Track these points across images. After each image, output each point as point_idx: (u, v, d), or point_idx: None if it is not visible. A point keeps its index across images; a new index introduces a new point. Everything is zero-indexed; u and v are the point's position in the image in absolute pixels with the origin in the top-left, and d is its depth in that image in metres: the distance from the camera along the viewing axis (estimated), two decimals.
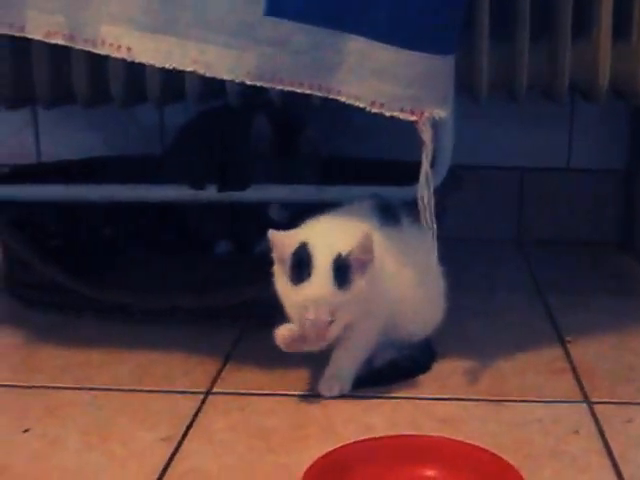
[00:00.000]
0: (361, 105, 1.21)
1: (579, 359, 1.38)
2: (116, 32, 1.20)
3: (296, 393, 1.27)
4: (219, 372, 1.35)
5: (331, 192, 1.51)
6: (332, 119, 1.72)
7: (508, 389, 1.28)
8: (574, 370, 1.34)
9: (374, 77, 1.19)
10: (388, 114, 1.20)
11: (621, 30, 1.54)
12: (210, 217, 1.74)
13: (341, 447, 1.03)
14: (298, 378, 1.31)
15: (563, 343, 1.43)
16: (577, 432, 1.15)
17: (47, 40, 1.23)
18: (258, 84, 1.21)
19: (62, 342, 1.47)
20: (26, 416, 1.23)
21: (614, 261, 1.89)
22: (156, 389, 1.30)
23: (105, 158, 1.93)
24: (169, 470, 1.08)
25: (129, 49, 1.20)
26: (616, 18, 1.52)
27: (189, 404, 1.25)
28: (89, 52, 1.26)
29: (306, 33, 1.18)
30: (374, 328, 1.26)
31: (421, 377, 1.31)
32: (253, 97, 1.66)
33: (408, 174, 1.30)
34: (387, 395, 1.26)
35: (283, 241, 1.19)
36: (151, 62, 1.21)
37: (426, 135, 1.20)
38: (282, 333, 1.21)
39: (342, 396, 1.25)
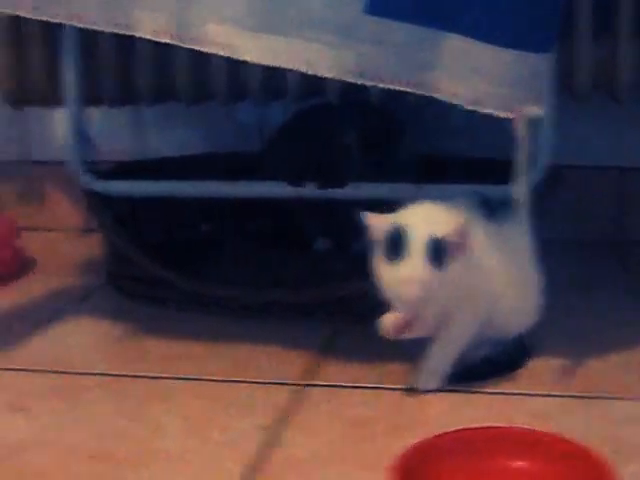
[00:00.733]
0: (458, 103, 1.22)
1: None
2: (222, 31, 1.23)
3: (391, 387, 1.29)
4: (315, 365, 1.38)
5: (429, 190, 1.52)
6: (428, 117, 1.74)
7: (601, 387, 1.28)
8: None
9: (472, 75, 1.20)
10: (484, 112, 1.21)
11: None
12: (309, 214, 1.77)
13: (433, 437, 1.04)
14: (394, 372, 1.33)
15: None
16: None
17: (155, 39, 1.27)
18: (358, 82, 1.23)
19: (163, 334, 1.51)
20: (129, 403, 1.28)
21: None
22: (254, 380, 1.33)
23: (206, 155, 1.97)
24: (265, 458, 1.11)
25: (234, 48, 1.23)
26: None
27: (286, 395, 1.27)
28: (192, 51, 1.29)
29: (406, 32, 1.20)
30: (472, 323, 1.27)
31: (515, 373, 1.32)
32: (352, 95, 1.68)
33: (506, 173, 1.31)
34: (481, 390, 1.27)
35: (378, 222, 1.20)
36: (255, 61, 1.24)
37: (522, 133, 1.20)
38: (387, 320, 1.22)
39: (437, 390, 1.27)
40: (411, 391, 1.27)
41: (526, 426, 1.10)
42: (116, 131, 2.11)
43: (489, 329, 1.29)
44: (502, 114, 1.21)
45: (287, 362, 1.39)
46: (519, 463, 1.02)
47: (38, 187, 2.23)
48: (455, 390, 1.27)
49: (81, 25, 1.33)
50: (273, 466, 1.09)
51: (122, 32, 1.29)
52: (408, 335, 1.24)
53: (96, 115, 1.98)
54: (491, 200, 1.31)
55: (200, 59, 1.71)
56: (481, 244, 1.24)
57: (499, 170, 1.35)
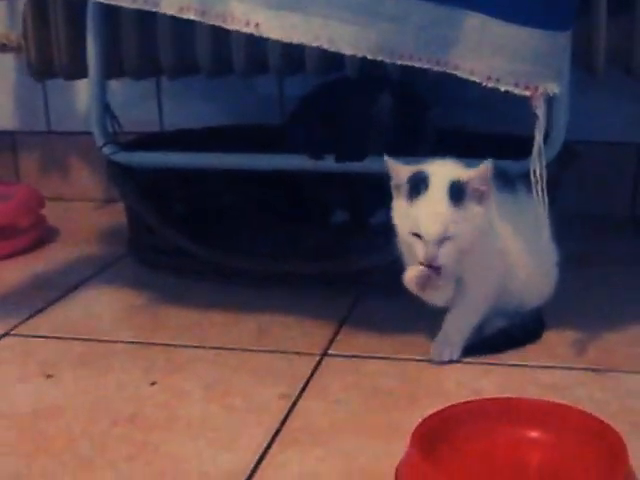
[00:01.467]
0: (477, 80, 1.24)
1: None
2: (245, 8, 1.25)
3: (409, 357, 1.32)
4: (335, 335, 1.40)
5: None
6: (445, 92, 1.75)
7: (616, 360, 1.30)
8: None
9: (490, 53, 1.22)
10: (503, 89, 1.23)
11: None
12: (327, 187, 1.79)
13: (450, 407, 1.07)
14: (411, 343, 1.35)
15: None
16: None
17: (180, 16, 1.29)
18: (378, 59, 1.24)
19: (184, 304, 1.54)
20: (152, 370, 1.31)
21: None
22: (274, 349, 1.36)
23: (225, 127, 1.99)
24: (286, 424, 1.14)
25: (257, 25, 1.25)
26: None
27: (306, 364, 1.30)
28: (212, 25, 1.31)
29: (426, 10, 1.22)
30: (487, 292, 1.29)
31: (530, 346, 1.34)
32: (371, 70, 1.70)
33: (523, 148, 1.33)
34: (496, 362, 1.29)
35: (401, 167, 1.22)
36: (278, 38, 1.26)
37: (539, 110, 1.22)
38: (409, 274, 1.24)
39: (453, 361, 1.29)
40: (428, 362, 1.29)
41: (541, 398, 1.12)
42: (138, 103, 2.13)
43: (505, 301, 1.31)
44: (520, 91, 1.23)
45: (307, 332, 1.42)
46: (534, 433, 1.04)
47: (60, 158, 2.26)
48: (470, 362, 1.30)
49: (106, 2, 1.35)
50: (293, 433, 1.12)
51: (148, 9, 1.31)
52: (430, 292, 1.25)
53: (118, 87, 2.01)
54: (508, 173, 1.33)
55: (221, 32, 1.72)
56: (498, 214, 1.26)
57: (516, 145, 1.37)
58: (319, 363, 1.31)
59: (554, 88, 1.22)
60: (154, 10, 1.31)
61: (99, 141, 1.71)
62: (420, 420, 1.03)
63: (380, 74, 1.71)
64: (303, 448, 1.09)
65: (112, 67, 1.76)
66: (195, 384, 1.26)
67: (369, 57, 1.25)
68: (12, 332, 1.45)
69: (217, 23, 1.28)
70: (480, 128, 1.86)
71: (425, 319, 1.35)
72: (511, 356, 1.31)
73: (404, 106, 1.69)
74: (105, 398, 1.23)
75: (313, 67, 1.72)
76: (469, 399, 1.11)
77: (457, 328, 1.30)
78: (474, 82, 1.25)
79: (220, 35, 1.73)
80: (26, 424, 1.17)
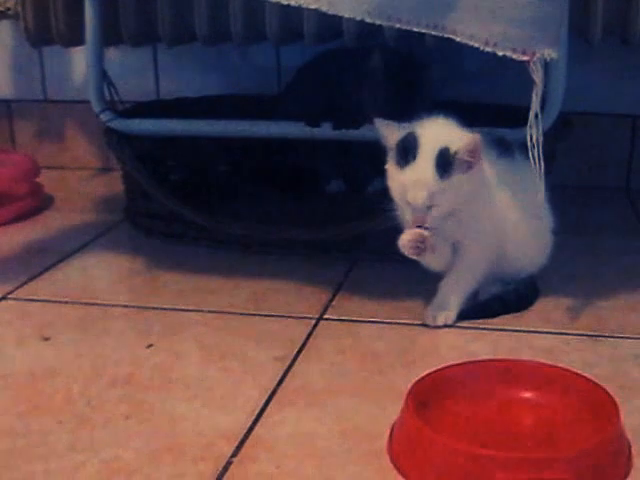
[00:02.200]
0: (475, 44, 1.24)
1: None
2: None
3: (404, 322, 1.32)
4: (330, 300, 1.41)
5: None
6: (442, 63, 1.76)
7: (608, 325, 1.31)
8: None
9: (489, 17, 1.22)
10: (500, 54, 1.23)
11: None
12: (324, 156, 1.79)
13: (445, 367, 1.08)
14: (406, 308, 1.36)
15: None
16: None
17: None
18: (377, 23, 1.25)
19: (181, 269, 1.55)
20: (149, 333, 1.31)
21: None
22: (270, 313, 1.37)
23: (223, 96, 1.99)
24: (282, 386, 1.15)
25: None
26: None
27: (302, 328, 1.31)
28: None
29: None
30: (484, 258, 1.30)
31: (524, 312, 1.35)
32: (369, 38, 1.70)
33: (519, 118, 1.33)
34: (490, 327, 1.30)
35: (392, 129, 1.24)
36: (277, 0, 1.26)
37: (537, 75, 1.22)
38: (405, 237, 1.25)
39: (447, 326, 1.30)
40: (423, 326, 1.30)
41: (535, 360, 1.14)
42: (134, 72, 2.13)
43: (501, 268, 1.32)
44: (518, 56, 1.23)
45: (303, 297, 1.42)
46: (528, 394, 1.06)
47: (56, 127, 2.26)
48: (465, 327, 1.31)
49: None
50: (289, 395, 1.13)
51: None
52: (426, 255, 1.26)
53: (115, 56, 2.01)
54: (505, 140, 1.33)
55: (219, 0, 1.73)
56: (494, 180, 1.27)
57: (512, 115, 1.37)
58: (315, 327, 1.32)
59: (552, 53, 1.22)
60: None
61: (96, 108, 1.71)
62: (415, 380, 1.04)
63: (377, 43, 1.71)
64: (299, 408, 1.09)
65: (110, 34, 1.76)
66: (192, 347, 1.27)
67: (368, 21, 1.25)
68: (9, 296, 1.46)
69: None
70: (476, 98, 1.86)
71: (420, 284, 1.37)
72: (505, 321, 1.32)
73: (400, 69, 1.69)
74: (102, 360, 1.24)
75: (311, 36, 1.72)
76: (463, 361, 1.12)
77: (453, 293, 1.31)
78: (471, 50, 1.25)
79: (218, 2, 1.73)
80: (23, 385, 1.17)
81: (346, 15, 1.25)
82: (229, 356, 1.23)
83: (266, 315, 1.36)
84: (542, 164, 1.23)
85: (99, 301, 1.43)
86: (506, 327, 1.30)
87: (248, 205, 1.74)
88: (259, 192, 1.82)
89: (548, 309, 1.36)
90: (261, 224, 1.58)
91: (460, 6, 1.22)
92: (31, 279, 1.53)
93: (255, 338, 1.29)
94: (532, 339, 1.27)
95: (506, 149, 1.32)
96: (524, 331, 1.29)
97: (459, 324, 1.31)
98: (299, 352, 1.24)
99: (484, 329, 1.30)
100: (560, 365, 1.11)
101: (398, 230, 1.27)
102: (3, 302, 1.44)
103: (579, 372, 1.07)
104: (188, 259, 1.60)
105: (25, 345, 1.29)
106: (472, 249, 1.29)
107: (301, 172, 1.86)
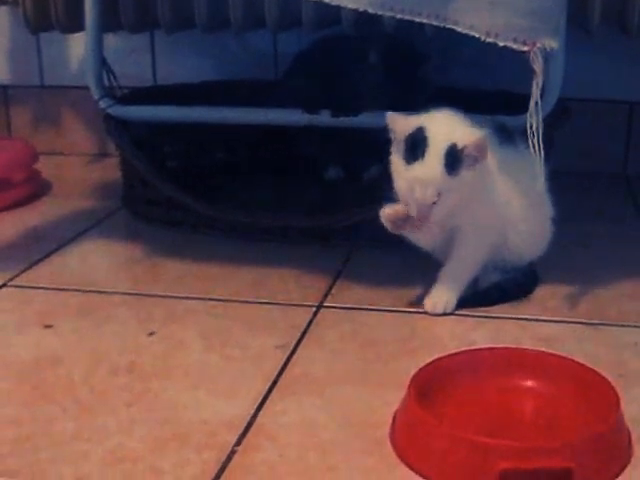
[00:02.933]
0: (476, 35, 1.24)
1: None
2: None
3: (404, 309, 1.33)
4: (330, 288, 1.42)
5: None
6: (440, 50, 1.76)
7: (607, 314, 1.32)
8: None
9: (490, 8, 1.23)
10: (502, 44, 1.24)
11: None
12: (322, 142, 1.79)
13: (446, 356, 1.09)
14: (406, 296, 1.37)
15: None
16: None
17: None
18: (379, 13, 1.25)
19: (180, 256, 1.56)
20: (150, 321, 1.32)
21: None
22: (270, 301, 1.37)
23: (221, 82, 1.99)
24: (284, 374, 1.16)
25: None
26: None
27: (302, 316, 1.32)
28: None
29: None
30: (482, 246, 1.31)
31: (523, 300, 1.36)
32: (367, 25, 1.70)
33: (518, 105, 1.34)
34: (490, 315, 1.31)
35: (401, 123, 1.24)
36: None
37: (537, 65, 1.23)
38: (387, 212, 1.26)
39: (447, 314, 1.31)
40: (423, 314, 1.31)
41: (535, 348, 1.14)
42: (131, 58, 2.13)
43: (501, 255, 1.33)
44: (518, 47, 1.24)
45: (302, 285, 1.43)
46: (529, 383, 1.07)
47: (53, 112, 2.25)
48: (464, 315, 1.31)
49: None
50: (291, 383, 1.14)
51: None
52: (409, 232, 1.27)
53: (112, 42, 2.00)
54: (506, 128, 1.34)
55: None
56: (495, 168, 1.28)
57: (512, 102, 1.38)
58: (315, 315, 1.32)
59: (552, 44, 1.23)
60: None
61: (95, 94, 1.71)
62: (417, 369, 1.05)
63: (375, 30, 1.72)
64: (301, 397, 1.10)
65: (109, 20, 1.75)
66: (193, 334, 1.27)
67: (370, 11, 1.25)
68: (9, 283, 1.46)
69: None
70: (475, 85, 1.86)
71: (420, 272, 1.38)
72: (505, 309, 1.33)
73: (398, 59, 1.70)
74: (104, 348, 1.24)
75: (309, 22, 1.72)
76: (463, 349, 1.13)
77: (452, 281, 1.32)
78: (470, 38, 1.26)
79: None
80: (26, 372, 1.18)
81: (349, 6, 1.26)
82: (230, 344, 1.24)
83: (266, 303, 1.37)
84: (542, 152, 1.24)
85: (99, 288, 1.44)
86: (506, 315, 1.31)
87: (246, 192, 1.74)
88: (257, 179, 1.82)
89: (547, 297, 1.37)
90: (259, 211, 1.58)
91: None
92: (31, 266, 1.53)
93: (256, 326, 1.30)
94: (532, 327, 1.28)
95: (507, 136, 1.32)
96: (523, 319, 1.30)
97: (459, 312, 1.32)
98: (300, 340, 1.25)
99: (484, 317, 1.31)
100: (560, 353, 1.11)
101: None
102: (4, 289, 1.44)
103: (579, 361, 1.08)
104: (187, 246, 1.61)
105: (27, 333, 1.29)
106: (471, 236, 1.29)
107: (299, 159, 1.86)
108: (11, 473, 0.96)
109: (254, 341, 1.25)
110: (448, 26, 1.25)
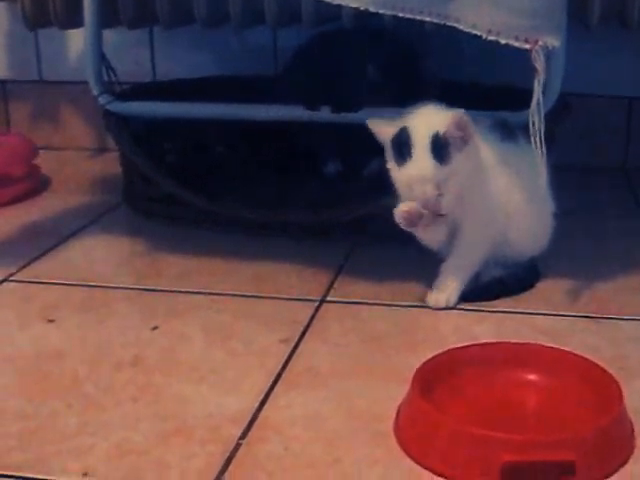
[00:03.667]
0: (478, 33, 1.25)
1: None
2: None
3: (406, 304, 1.34)
4: (332, 282, 1.42)
5: None
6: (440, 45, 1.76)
7: (608, 308, 1.32)
8: None
9: (491, 6, 1.23)
10: (503, 42, 1.24)
11: None
12: (321, 138, 1.80)
13: (450, 350, 1.09)
14: (408, 290, 1.38)
15: None
16: None
17: None
18: (381, 12, 1.25)
19: (182, 252, 1.56)
20: (153, 316, 1.32)
21: None
22: (273, 296, 1.38)
23: (221, 78, 1.99)
24: (287, 368, 1.16)
25: None
26: None
27: (305, 310, 1.32)
28: None
29: None
30: (484, 241, 1.32)
31: (525, 294, 1.37)
32: (367, 21, 1.70)
33: (518, 99, 1.35)
34: (492, 309, 1.32)
35: (383, 127, 1.26)
36: None
37: (539, 63, 1.23)
38: (401, 209, 1.26)
39: (450, 308, 1.32)
40: (425, 308, 1.32)
41: (537, 342, 1.15)
42: (130, 54, 2.13)
43: (503, 250, 1.33)
44: (520, 45, 1.24)
45: (304, 280, 1.44)
46: (532, 376, 1.07)
47: (52, 108, 2.25)
48: (468, 308, 1.32)
49: None
50: (295, 377, 1.14)
51: None
52: (421, 230, 1.28)
53: (110, 38, 2.00)
54: (507, 123, 1.34)
55: None
56: (495, 162, 1.29)
57: (515, 96, 1.38)
58: (317, 309, 1.33)
59: (554, 42, 1.24)
60: None
61: (95, 90, 1.71)
62: (420, 363, 1.05)
63: (374, 26, 1.72)
64: (305, 391, 1.11)
65: (108, 16, 1.75)
66: (196, 329, 1.28)
67: (372, 10, 1.26)
68: (10, 278, 1.46)
69: None
70: (475, 80, 1.87)
71: (421, 267, 1.38)
72: (507, 303, 1.33)
73: (398, 55, 1.70)
74: (107, 342, 1.25)
75: (309, 18, 1.72)
76: (466, 344, 1.13)
77: (454, 275, 1.32)
78: (471, 35, 1.26)
79: None
80: (30, 367, 1.18)
81: (351, 5, 1.26)
82: (234, 338, 1.24)
83: (269, 297, 1.37)
84: (544, 149, 1.24)
85: (101, 283, 1.44)
86: (508, 309, 1.31)
87: (245, 188, 1.74)
88: (256, 175, 1.82)
89: (549, 291, 1.37)
90: (261, 206, 1.58)
91: None
92: (32, 261, 1.53)
93: (259, 320, 1.30)
94: (534, 321, 1.28)
95: (509, 132, 1.33)
96: (525, 313, 1.31)
97: (461, 306, 1.32)
98: (303, 334, 1.25)
99: (486, 311, 1.31)
100: (563, 347, 1.12)
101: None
102: (5, 284, 1.44)
103: (582, 355, 1.08)
104: (188, 241, 1.61)
105: (30, 327, 1.30)
106: (473, 231, 1.30)
107: (297, 155, 1.86)
108: (17, 467, 0.96)
109: (257, 336, 1.25)
110: (450, 24, 1.26)
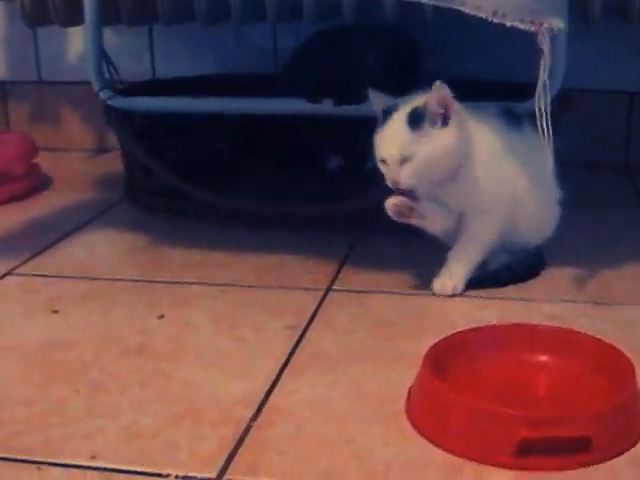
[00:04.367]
0: (483, 16, 1.24)
1: None
2: None
3: (412, 292, 1.33)
4: (337, 273, 1.42)
5: None
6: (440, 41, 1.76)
7: (614, 293, 1.32)
8: None
9: None
10: (509, 24, 1.24)
11: None
12: (323, 132, 1.79)
13: (460, 332, 1.09)
14: (413, 280, 1.37)
15: None
16: None
17: None
18: None
19: (185, 245, 1.55)
20: (158, 305, 1.32)
21: None
22: (279, 285, 1.37)
23: (222, 75, 1.99)
24: (295, 354, 1.16)
25: None
26: None
27: (311, 299, 1.32)
28: None
29: None
30: (490, 228, 1.31)
31: (532, 281, 1.36)
32: (368, 17, 1.70)
33: (519, 94, 1.35)
34: (499, 295, 1.31)
35: (381, 99, 1.28)
36: None
37: (545, 45, 1.23)
38: (392, 202, 1.27)
39: (456, 295, 1.31)
40: (431, 295, 1.31)
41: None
42: (130, 53, 2.13)
43: (510, 238, 1.33)
44: (525, 27, 1.24)
45: (309, 270, 1.43)
46: (542, 357, 1.07)
47: (51, 108, 2.25)
48: (474, 295, 1.32)
49: None
50: (303, 362, 1.14)
51: None
52: (415, 220, 1.28)
53: (110, 37, 2.00)
54: (513, 111, 1.34)
55: None
56: (504, 151, 1.28)
57: (514, 92, 1.38)
58: (324, 298, 1.32)
59: (559, 23, 1.23)
60: None
61: (96, 86, 1.70)
62: (431, 344, 1.05)
63: (376, 21, 1.72)
64: (314, 375, 1.10)
65: (107, 13, 1.75)
66: (202, 317, 1.27)
67: None
68: (14, 271, 1.46)
69: None
70: (474, 76, 1.87)
71: (425, 258, 1.38)
72: (513, 290, 1.33)
73: (397, 50, 1.70)
74: (113, 331, 1.24)
75: (309, 13, 1.72)
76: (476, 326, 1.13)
77: (461, 263, 1.32)
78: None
79: None
80: (36, 356, 1.17)
81: None
82: (240, 326, 1.24)
83: (274, 287, 1.37)
84: (550, 132, 1.24)
85: (105, 276, 1.44)
86: (515, 296, 1.31)
87: (246, 183, 1.73)
88: (257, 170, 1.81)
89: (555, 279, 1.37)
90: (263, 198, 1.58)
91: None
92: (34, 255, 1.53)
93: (265, 309, 1.29)
94: (541, 307, 1.28)
95: (514, 119, 1.33)
96: (532, 299, 1.30)
97: (468, 293, 1.32)
98: (310, 321, 1.25)
99: (493, 298, 1.31)
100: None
101: None
102: (8, 278, 1.44)
103: (595, 335, 1.08)
104: (191, 235, 1.60)
105: (34, 318, 1.29)
106: (479, 219, 1.29)
107: (299, 151, 1.85)
108: (25, 450, 0.96)
109: (263, 323, 1.25)
110: (455, 7, 1.25)
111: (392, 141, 1.23)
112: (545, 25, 1.23)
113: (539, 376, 1.05)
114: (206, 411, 1.02)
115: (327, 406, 1.03)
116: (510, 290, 1.33)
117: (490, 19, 1.24)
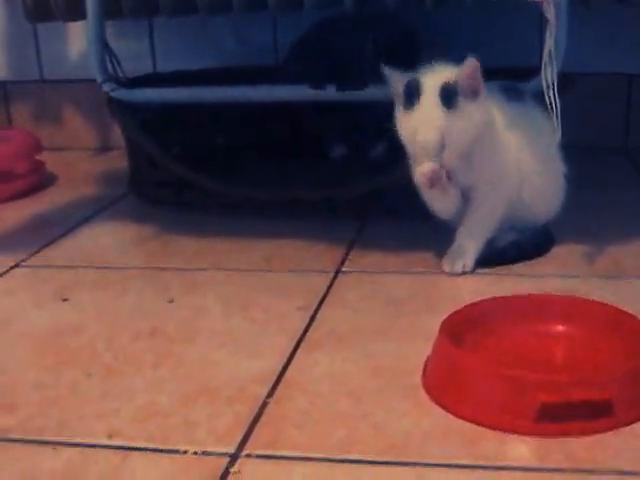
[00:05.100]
0: None
1: None
2: None
3: (421, 271, 1.33)
4: (346, 255, 1.42)
5: None
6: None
7: (623, 268, 1.32)
8: None
9: None
10: None
11: None
12: (326, 120, 1.79)
13: (475, 303, 1.09)
14: (422, 260, 1.37)
15: None
16: None
17: None
18: None
19: (192, 233, 1.55)
20: (168, 291, 1.31)
21: None
22: (288, 269, 1.37)
23: (223, 68, 1.99)
24: (309, 332, 1.15)
25: None
26: None
27: (321, 280, 1.31)
28: None
29: None
30: (498, 204, 1.31)
31: (541, 259, 1.36)
32: (368, 6, 1.70)
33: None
34: (509, 272, 1.31)
35: (398, 76, 1.25)
36: None
37: (550, 14, 1.23)
38: (421, 170, 1.23)
39: (466, 272, 1.31)
40: (441, 274, 1.31)
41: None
42: (130, 47, 2.12)
43: (517, 214, 1.33)
44: None
45: (318, 254, 1.43)
46: (561, 326, 1.06)
47: (53, 107, 2.25)
48: (483, 272, 1.31)
49: None
50: (317, 339, 1.14)
51: None
52: (438, 193, 1.26)
53: (110, 32, 2.00)
54: (516, 87, 1.34)
55: None
56: (507, 124, 1.28)
57: (515, 77, 1.38)
58: (334, 279, 1.32)
59: None
60: None
61: (99, 78, 1.70)
62: (447, 315, 1.04)
63: (376, 10, 1.72)
64: (328, 351, 1.10)
65: (109, 6, 1.75)
66: (213, 301, 1.27)
67: None
68: (22, 263, 1.45)
69: None
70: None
71: (433, 240, 1.38)
72: (522, 268, 1.33)
73: (397, 38, 1.70)
74: (124, 316, 1.24)
75: (311, 2, 1.71)
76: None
77: (470, 241, 1.32)
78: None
79: None
80: (48, 341, 1.17)
81: None
82: (252, 308, 1.24)
83: (284, 271, 1.37)
84: (558, 103, 1.24)
85: (113, 265, 1.43)
86: (524, 272, 1.31)
87: (251, 172, 1.73)
88: (261, 160, 1.81)
89: (564, 255, 1.37)
90: (271, 185, 1.58)
91: None
92: (41, 248, 1.52)
93: (275, 291, 1.29)
94: (551, 282, 1.27)
95: (516, 95, 1.32)
96: (542, 275, 1.30)
97: (477, 271, 1.31)
98: (321, 302, 1.24)
99: (503, 275, 1.30)
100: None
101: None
102: (17, 269, 1.43)
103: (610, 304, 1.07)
104: (198, 225, 1.60)
105: (44, 306, 1.29)
106: (487, 195, 1.29)
107: (302, 140, 1.85)
108: (40, 431, 0.96)
109: (275, 304, 1.24)
110: None
111: (429, 125, 1.20)
112: None
113: (556, 345, 1.04)
114: (222, 389, 1.02)
115: (343, 380, 1.03)
116: (520, 267, 1.32)
117: None
